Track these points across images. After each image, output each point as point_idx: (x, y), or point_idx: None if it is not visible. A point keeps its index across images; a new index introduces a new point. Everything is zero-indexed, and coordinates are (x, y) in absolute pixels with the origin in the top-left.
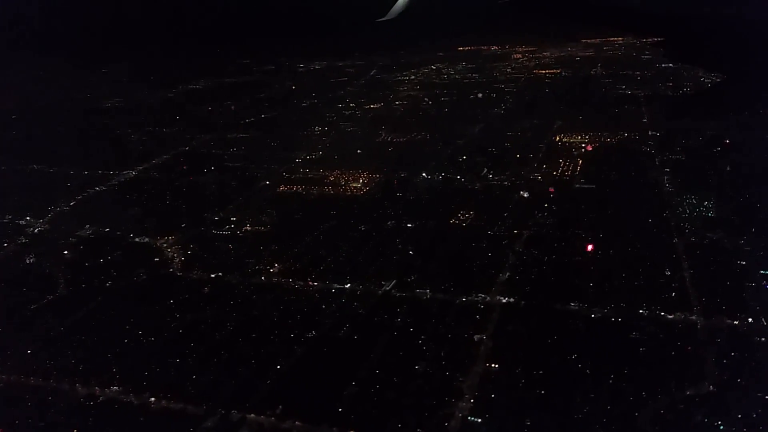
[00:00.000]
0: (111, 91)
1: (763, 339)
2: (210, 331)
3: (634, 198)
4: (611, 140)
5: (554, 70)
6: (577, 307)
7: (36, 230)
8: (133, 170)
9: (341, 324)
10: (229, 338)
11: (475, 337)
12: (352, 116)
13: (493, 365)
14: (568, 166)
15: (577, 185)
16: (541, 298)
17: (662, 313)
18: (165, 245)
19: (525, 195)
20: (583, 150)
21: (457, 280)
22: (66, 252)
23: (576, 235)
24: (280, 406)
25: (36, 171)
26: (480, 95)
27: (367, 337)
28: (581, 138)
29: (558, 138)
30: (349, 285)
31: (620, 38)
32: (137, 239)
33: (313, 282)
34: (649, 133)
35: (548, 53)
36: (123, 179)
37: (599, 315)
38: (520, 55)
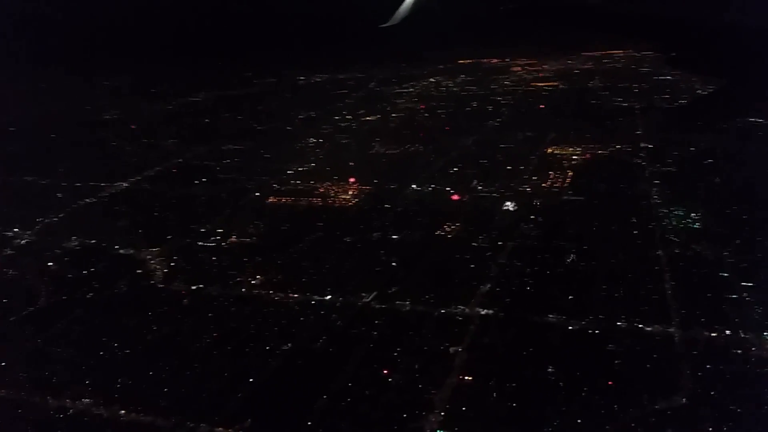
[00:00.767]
0: (110, 103)
1: (739, 351)
2: (186, 344)
3: (621, 210)
4: (603, 152)
5: (552, 83)
6: (555, 319)
7: (23, 242)
8: (124, 182)
9: (318, 336)
10: (204, 351)
11: (451, 350)
12: (348, 128)
13: (466, 378)
14: (558, 178)
15: (565, 197)
16: (519, 310)
17: (640, 326)
18: (149, 257)
19: (510, 207)
20: (574, 162)
21: (438, 291)
22: (50, 264)
23: (560, 247)
24: (249, 420)
25: (28, 183)
26: (476, 107)
27: (342, 349)
28: (573, 150)
29: (550, 150)
30: (329, 297)
31: (621, 51)
32: (122, 251)
33: (293, 294)
34: (642, 145)
35: (547, 66)
36: (114, 191)
37: (577, 327)
38: (519, 68)
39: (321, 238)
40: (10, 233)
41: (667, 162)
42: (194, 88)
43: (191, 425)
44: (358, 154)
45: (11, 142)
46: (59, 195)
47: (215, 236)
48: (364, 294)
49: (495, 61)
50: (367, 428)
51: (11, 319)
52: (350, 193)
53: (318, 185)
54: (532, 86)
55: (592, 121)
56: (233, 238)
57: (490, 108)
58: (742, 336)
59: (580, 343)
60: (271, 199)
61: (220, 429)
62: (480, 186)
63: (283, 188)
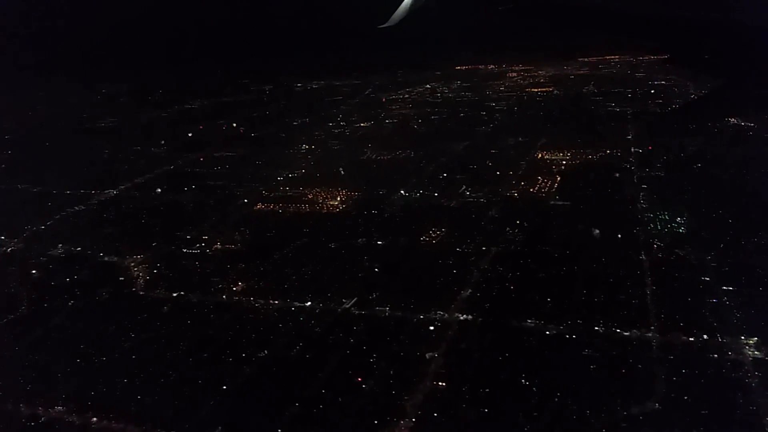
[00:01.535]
0: (106, 111)
1: (715, 356)
2: (162, 351)
3: (606, 215)
4: (593, 157)
5: (547, 89)
6: (533, 324)
7: (8, 249)
8: (114, 189)
9: (294, 343)
10: (180, 358)
11: (427, 355)
12: (341, 135)
13: (440, 383)
14: (546, 183)
15: (552, 202)
16: (498, 315)
17: (618, 330)
18: (132, 264)
19: (495, 214)
20: (563, 167)
21: (419, 297)
22: (34, 271)
23: (543, 252)
24: (220, 427)
25: (19, 190)
26: (470, 113)
27: (318, 356)
28: (563, 155)
29: (540, 155)
30: (309, 303)
31: (617, 56)
32: (106, 258)
33: (273, 300)
34: (632, 150)
35: (543, 71)
36: (103, 198)
37: (554, 332)
38: (515, 74)
39: (306, 245)
40: None
41: (656, 167)
42: (191, 95)
43: None
44: (349, 160)
45: (6, 150)
46: (49, 203)
47: (200, 243)
48: (344, 300)
49: (492, 66)
50: None
51: None
52: (338, 199)
53: (307, 191)
54: (526, 92)
55: (584, 126)
56: (218, 245)
57: (483, 114)
58: (720, 340)
59: (557, 348)
60: (258, 206)
61: None
62: (468, 191)
63: (271, 195)
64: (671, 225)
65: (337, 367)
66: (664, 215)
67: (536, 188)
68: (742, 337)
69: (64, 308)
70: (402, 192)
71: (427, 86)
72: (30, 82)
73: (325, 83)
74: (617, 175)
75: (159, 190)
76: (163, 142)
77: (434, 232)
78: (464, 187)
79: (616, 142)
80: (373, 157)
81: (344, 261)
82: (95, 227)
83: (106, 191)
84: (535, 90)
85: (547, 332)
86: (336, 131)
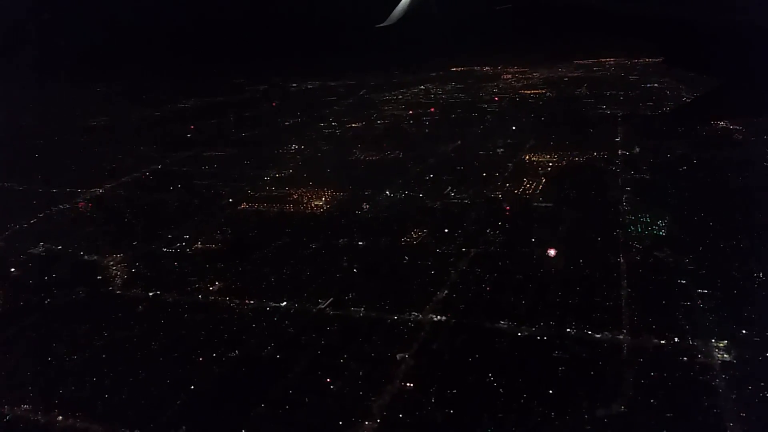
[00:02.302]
0: (99, 110)
1: (685, 359)
2: (134, 350)
3: (588, 217)
4: (579, 159)
5: (540, 91)
6: (506, 326)
7: None
8: (100, 188)
9: (266, 343)
10: (151, 357)
11: (398, 356)
12: (332, 135)
13: (408, 384)
14: (531, 185)
15: (535, 203)
16: (472, 316)
17: (589, 332)
18: (112, 263)
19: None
20: (549, 169)
21: (395, 298)
22: (13, 270)
23: (522, 254)
24: (184, 427)
25: (5, 189)
26: (462, 114)
27: (289, 356)
28: (550, 157)
29: (527, 157)
30: (284, 303)
31: (612, 58)
32: (86, 257)
33: (249, 300)
34: (619, 152)
35: (537, 74)
36: (89, 197)
37: (526, 333)
38: (509, 76)
39: (286, 244)
40: None
41: (641, 169)
42: (185, 94)
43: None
44: (337, 161)
45: None
46: (34, 201)
47: (181, 243)
48: (320, 300)
49: (487, 68)
50: None
51: None
52: (323, 199)
53: (292, 191)
54: (519, 94)
55: (574, 128)
56: (198, 245)
57: (475, 115)
58: (691, 343)
59: (527, 349)
60: (243, 205)
61: None
62: (453, 192)
63: (257, 194)
64: (652, 228)
65: (307, 368)
66: (646, 218)
67: (521, 190)
68: (713, 340)
69: (41, 306)
70: (387, 193)
71: (422, 87)
72: (25, 81)
73: (320, 83)
74: (602, 177)
75: (146, 187)
76: (153, 141)
77: (416, 232)
78: (450, 188)
79: (604, 144)
80: (362, 157)
81: (324, 261)
82: (78, 226)
83: (92, 190)
84: (528, 92)
85: (519, 334)
86: (327, 132)
